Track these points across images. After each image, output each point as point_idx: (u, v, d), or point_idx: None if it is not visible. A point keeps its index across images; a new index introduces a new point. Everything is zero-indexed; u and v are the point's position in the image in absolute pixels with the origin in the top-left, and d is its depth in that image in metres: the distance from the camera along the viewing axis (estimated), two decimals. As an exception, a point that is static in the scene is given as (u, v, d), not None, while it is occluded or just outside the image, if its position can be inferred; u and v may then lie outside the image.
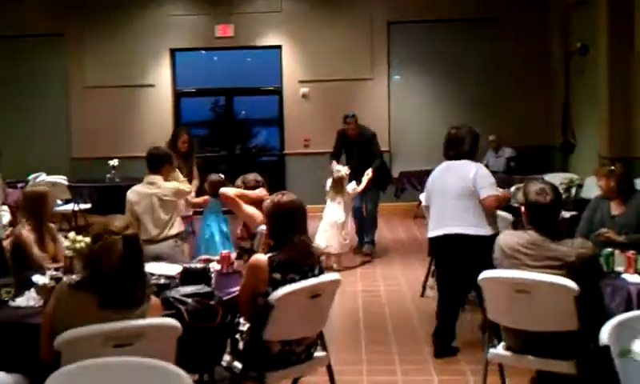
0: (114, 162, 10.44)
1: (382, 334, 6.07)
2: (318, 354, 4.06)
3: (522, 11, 12.66)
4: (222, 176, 7.31)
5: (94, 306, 3.12)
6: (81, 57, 13.21)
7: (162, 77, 13.29)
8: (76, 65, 13.25)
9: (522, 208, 4.04)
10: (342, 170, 8.60)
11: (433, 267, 7.42)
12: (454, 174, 5.42)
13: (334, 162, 9.01)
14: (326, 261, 8.36)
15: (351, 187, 8.59)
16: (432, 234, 5.50)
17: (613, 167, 5.33)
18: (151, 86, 13.28)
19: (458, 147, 5.56)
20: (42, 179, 10.53)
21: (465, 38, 12.93)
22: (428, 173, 12.14)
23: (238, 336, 3.97)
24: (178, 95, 13.55)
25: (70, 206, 11.10)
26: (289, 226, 3.88)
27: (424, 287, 7.23)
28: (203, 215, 7.16)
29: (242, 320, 3.99)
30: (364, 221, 9.35)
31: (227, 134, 14.28)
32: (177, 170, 6.38)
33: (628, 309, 3.90)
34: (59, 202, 11.34)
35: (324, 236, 8.38)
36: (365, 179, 8.76)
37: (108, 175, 10.59)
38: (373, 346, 5.75)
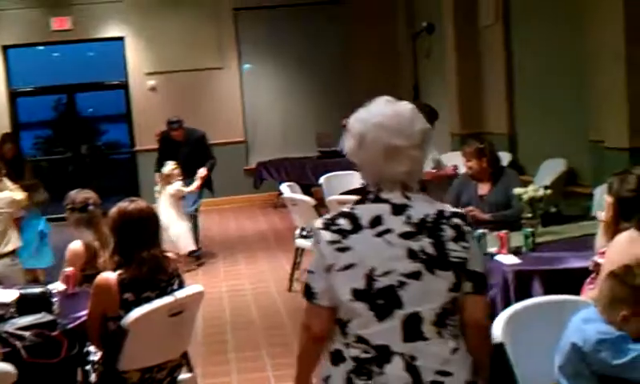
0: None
1: (251, 337, 5.73)
2: (183, 376, 3.64)
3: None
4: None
5: None
6: None
7: (-6, 76, 12.21)
8: None
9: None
10: (170, 164, 8.04)
11: (298, 259, 7.21)
12: None
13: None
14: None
15: (174, 187, 8.03)
16: None
17: (481, 145, 5.19)
18: (-18, 86, 12.18)
19: None
20: None
21: (313, 22, 12.78)
22: (285, 161, 12.05)
23: (89, 367, 3.48)
24: (13, 95, 12.50)
25: None
26: (137, 239, 3.38)
27: (291, 280, 6.95)
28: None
29: (92, 349, 3.51)
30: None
31: (72, 133, 13.40)
32: (5, 178, 5.68)
33: (505, 292, 3.78)
34: None
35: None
36: (198, 180, 8.25)
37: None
38: (242, 353, 5.39)
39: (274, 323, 6.02)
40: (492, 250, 4.17)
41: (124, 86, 12.68)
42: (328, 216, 2.22)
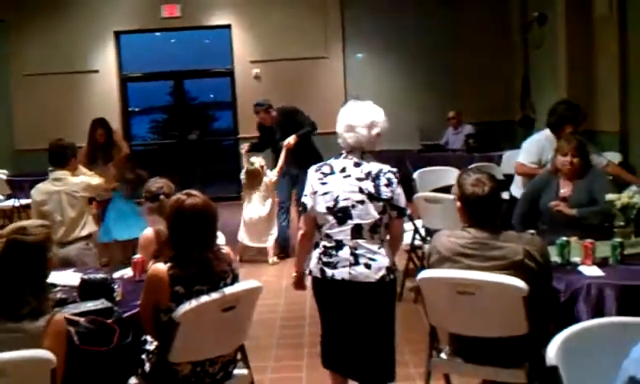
0: (58, 154, 9.84)
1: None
2: (238, 371, 3.56)
3: (480, -18, 12.26)
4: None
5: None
6: (21, 43, 12.53)
7: (106, 61, 12.70)
8: (16, 51, 12.58)
9: (458, 203, 3.56)
10: (256, 161, 7.94)
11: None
12: None
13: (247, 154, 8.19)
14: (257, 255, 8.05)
15: (268, 177, 7.96)
16: None
17: (577, 140, 4.86)
18: (95, 71, 12.68)
19: None
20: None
21: (423, 12, 12.46)
22: (386, 153, 11.85)
23: (144, 356, 3.47)
24: (123, 80, 12.94)
25: (11, 202, 10.59)
26: (189, 236, 3.30)
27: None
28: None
29: (149, 338, 3.49)
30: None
31: (183, 119, 13.73)
32: (80, 165, 5.82)
33: (584, 307, 3.47)
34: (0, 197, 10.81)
35: (245, 232, 8.03)
36: (282, 153, 7.90)
37: (50, 168, 9.99)
38: (316, 349, 5.27)
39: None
40: (576, 259, 3.87)
41: (230, 74, 12.84)
42: (319, 164, 3.84)
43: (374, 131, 3.74)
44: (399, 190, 3.68)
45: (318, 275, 3.71)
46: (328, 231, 3.68)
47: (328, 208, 3.67)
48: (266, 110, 8.21)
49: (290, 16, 12.37)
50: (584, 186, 4.75)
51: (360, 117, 3.72)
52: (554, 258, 3.77)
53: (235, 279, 3.41)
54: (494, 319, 3.39)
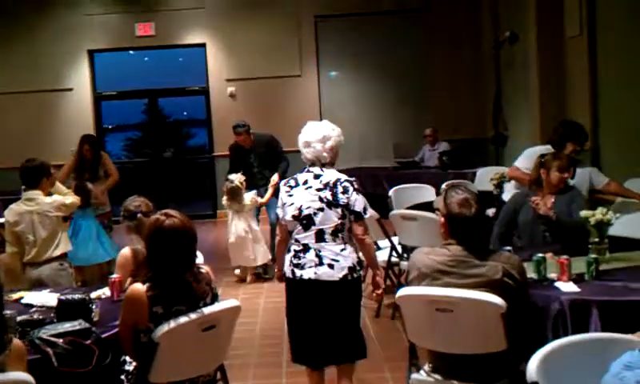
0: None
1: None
2: (218, 391, 3.56)
3: (453, 0, 12.39)
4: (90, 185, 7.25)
5: None
6: (-7, 61, 12.44)
7: (80, 80, 12.66)
8: (-13, 70, 12.47)
9: (442, 219, 3.58)
10: (235, 178, 7.87)
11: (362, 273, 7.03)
12: None
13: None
14: (241, 274, 7.97)
15: (249, 197, 7.95)
16: None
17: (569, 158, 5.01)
18: (69, 90, 12.62)
19: None
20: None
21: (396, 30, 12.63)
22: (360, 170, 11.90)
23: (123, 377, 3.44)
24: (97, 98, 12.88)
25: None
26: (168, 256, 3.28)
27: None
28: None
29: (127, 358, 3.46)
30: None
31: (157, 137, 13.70)
32: (57, 182, 5.78)
33: (559, 323, 3.51)
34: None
35: (232, 251, 7.97)
36: (270, 188, 8.01)
37: (23, 186, 9.89)
38: (295, 367, 5.24)
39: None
40: (552, 275, 3.91)
41: (205, 92, 12.84)
42: (286, 179, 4.41)
43: (327, 145, 4.24)
44: (355, 196, 4.13)
45: (290, 275, 4.21)
46: (296, 236, 4.20)
47: (294, 216, 4.18)
48: (247, 132, 8.28)
49: (264, 35, 12.42)
50: (564, 202, 4.85)
51: (314, 133, 4.25)
52: (531, 274, 3.81)
53: (215, 298, 3.41)
54: (472, 336, 3.41)
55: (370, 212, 6.47)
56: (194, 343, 3.27)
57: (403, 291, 3.56)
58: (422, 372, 3.67)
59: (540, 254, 3.96)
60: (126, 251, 4.28)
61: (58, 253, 5.18)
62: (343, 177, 4.19)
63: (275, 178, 8.02)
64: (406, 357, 3.74)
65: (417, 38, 12.55)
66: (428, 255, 3.52)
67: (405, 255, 6.23)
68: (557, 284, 3.81)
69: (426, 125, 11.51)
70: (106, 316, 3.69)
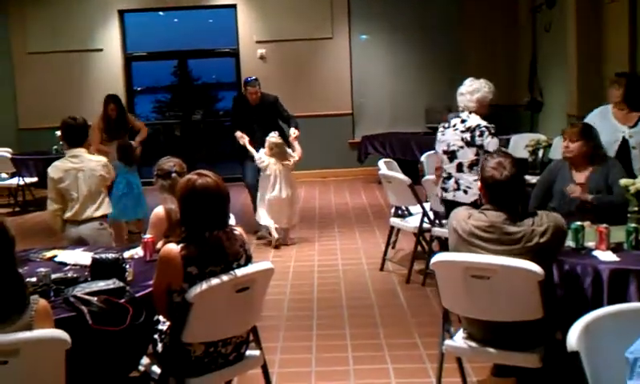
0: (61, 132, 9.84)
1: (336, 314, 5.60)
2: (251, 352, 3.55)
3: (488, -37, 12.15)
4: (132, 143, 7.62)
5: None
6: (23, 22, 12.46)
7: (110, 40, 12.61)
8: (19, 30, 12.50)
9: (479, 184, 3.54)
10: (274, 135, 7.76)
11: (393, 238, 7.02)
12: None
13: (239, 132, 8.02)
14: (278, 236, 7.79)
15: (293, 155, 7.84)
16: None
17: (580, 126, 4.84)
18: (100, 50, 12.60)
19: None
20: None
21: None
22: (390, 136, 11.76)
23: (157, 336, 3.45)
24: (128, 59, 12.85)
25: (15, 180, 10.62)
26: (201, 216, 3.26)
27: (384, 260, 6.77)
28: None
29: (161, 318, 3.47)
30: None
31: (187, 99, 13.69)
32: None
33: (597, 292, 3.45)
34: (3, 175, 10.81)
35: (269, 212, 7.77)
36: (297, 144, 7.90)
37: (55, 146, 9.99)
38: (324, 331, 5.27)
39: (362, 303, 5.86)
40: (590, 244, 3.84)
41: (235, 54, 12.76)
42: (443, 122, 5.52)
43: (474, 96, 5.31)
44: (489, 139, 5.17)
45: (440, 196, 5.50)
46: (444, 166, 5.42)
47: (443, 151, 5.42)
48: (258, 86, 8.20)
49: (295, -4, 12.29)
50: (600, 174, 4.71)
51: (466, 86, 5.40)
52: (569, 242, 3.75)
53: (249, 260, 3.39)
54: (508, 303, 3.36)
55: (403, 177, 6.53)
56: (227, 304, 3.26)
57: (438, 257, 3.52)
58: (455, 338, 3.64)
59: (578, 222, 3.88)
60: (159, 211, 4.28)
61: (99, 213, 5.15)
62: (483, 123, 5.22)
63: (295, 131, 7.98)
64: (436, 323, 3.71)
65: (451, 3, 12.31)
66: (465, 218, 3.48)
67: (437, 221, 6.18)
68: (595, 253, 3.75)
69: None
70: (140, 276, 3.70)
